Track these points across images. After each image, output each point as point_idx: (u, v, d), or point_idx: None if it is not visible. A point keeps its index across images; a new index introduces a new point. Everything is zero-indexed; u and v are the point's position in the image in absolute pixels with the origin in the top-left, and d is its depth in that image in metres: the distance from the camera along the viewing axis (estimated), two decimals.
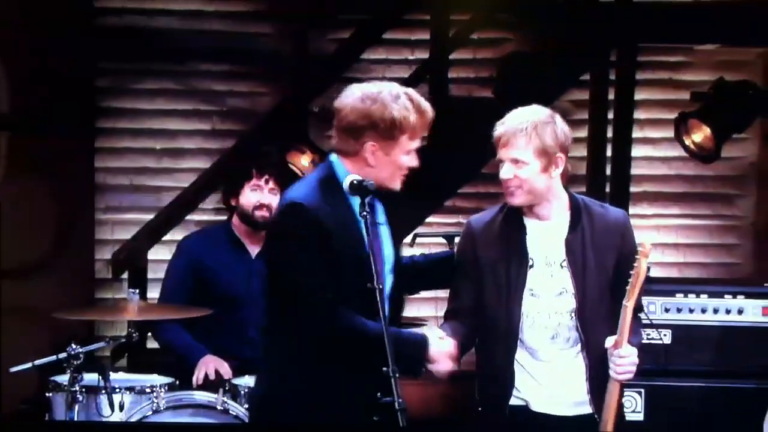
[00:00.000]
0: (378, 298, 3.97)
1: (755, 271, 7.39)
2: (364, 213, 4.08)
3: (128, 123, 7.30)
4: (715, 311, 5.87)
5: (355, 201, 4.10)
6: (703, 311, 5.87)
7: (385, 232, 4.32)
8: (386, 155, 4.13)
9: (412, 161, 4.19)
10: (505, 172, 4.25)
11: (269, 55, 7.33)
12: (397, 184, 4.20)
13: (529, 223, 4.28)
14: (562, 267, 4.24)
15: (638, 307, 4.28)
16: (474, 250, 4.31)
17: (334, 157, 4.19)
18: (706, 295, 5.87)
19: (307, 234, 4.02)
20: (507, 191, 4.26)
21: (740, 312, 5.85)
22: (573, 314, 4.23)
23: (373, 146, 4.11)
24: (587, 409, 4.27)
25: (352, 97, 4.14)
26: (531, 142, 4.23)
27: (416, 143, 4.18)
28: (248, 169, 5.49)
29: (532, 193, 4.24)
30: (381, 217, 4.30)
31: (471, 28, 7.18)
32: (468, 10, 7.12)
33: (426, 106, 4.19)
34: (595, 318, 4.22)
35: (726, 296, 5.90)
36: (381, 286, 4.00)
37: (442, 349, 4.19)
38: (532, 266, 4.25)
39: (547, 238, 4.27)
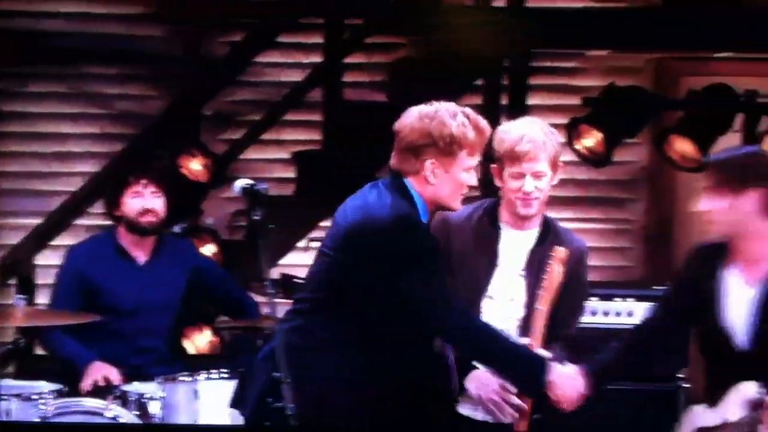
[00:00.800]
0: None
1: (646, 273, 7.50)
2: (256, 216, 4.04)
3: (17, 126, 7.19)
4: (605, 314, 5.94)
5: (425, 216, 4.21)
6: (593, 314, 5.91)
7: None
8: (446, 172, 4.20)
9: (471, 179, 4.26)
10: (528, 185, 4.34)
11: (160, 57, 7.26)
12: (457, 203, 4.25)
13: (504, 229, 4.38)
14: (519, 276, 4.35)
15: (566, 335, 4.38)
16: (448, 244, 4.34)
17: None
18: (597, 298, 5.92)
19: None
20: (524, 202, 4.35)
21: (630, 314, 5.91)
22: (520, 322, 4.33)
23: (433, 164, 4.19)
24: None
25: (411, 117, 4.29)
26: (548, 155, 4.37)
27: (474, 160, 4.25)
28: (124, 177, 5.44)
29: (542, 204, 4.40)
30: None
31: (364, 33, 7.19)
32: (361, 14, 7.13)
33: (483, 123, 4.27)
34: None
35: (616, 299, 5.98)
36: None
37: (565, 373, 4.23)
38: (497, 270, 4.35)
39: (516, 246, 4.37)
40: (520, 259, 4.36)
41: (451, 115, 4.22)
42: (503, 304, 4.35)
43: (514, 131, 4.35)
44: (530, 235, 4.39)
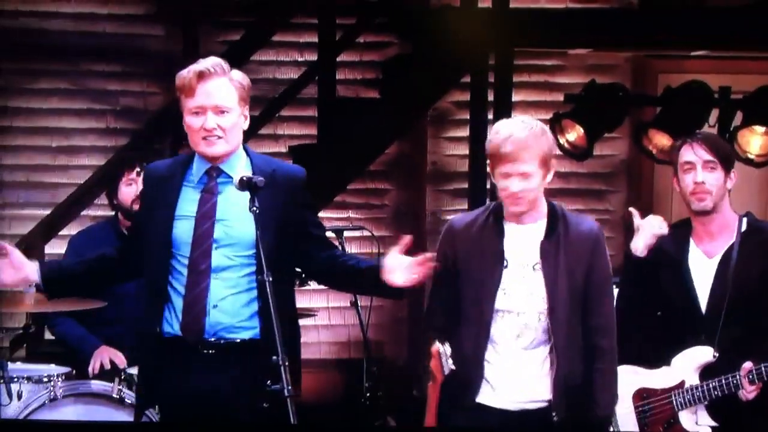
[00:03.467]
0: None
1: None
2: (254, 208, 4.11)
3: (24, 122, 7.23)
4: None
5: None
6: None
7: None
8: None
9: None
10: (515, 185, 4.22)
11: (161, 55, 7.32)
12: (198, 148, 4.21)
13: (508, 226, 4.29)
14: (534, 270, 4.26)
15: (598, 324, 4.32)
16: (454, 248, 4.31)
17: None
18: None
19: None
20: (513, 201, 4.24)
21: None
22: (542, 316, 4.25)
23: None
24: (538, 406, 4.27)
25: None
26: (535, 155, 4.22)
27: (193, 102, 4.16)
28: (119, 165, 5.50)
29: (533, 201, 4.27)
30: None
31: (356, 32, 7.25)
32: (354, 14, 7.19)
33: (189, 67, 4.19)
34: (565, 321, 4.24)
35: None
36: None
37: (396, 261, 4.20)
38: (506, 267, 4.26)
39: (523, 242, 4.28)
40: (532, 253, 4.26)
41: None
42: (522, 300, 4.26)
43: (502, 131, 4.26)
44: (537, 228, 4.28)
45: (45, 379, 5.14)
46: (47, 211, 6.91)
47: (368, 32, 7.34)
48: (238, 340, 4.07)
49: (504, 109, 7.27)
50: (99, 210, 7.08)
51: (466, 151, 7.49)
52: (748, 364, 4.47)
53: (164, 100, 7.23)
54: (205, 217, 4.06)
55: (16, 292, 6.60)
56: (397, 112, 7.11)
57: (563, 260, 4.25)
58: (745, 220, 4.62)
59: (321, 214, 7.09)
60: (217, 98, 4.09)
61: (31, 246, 6.75)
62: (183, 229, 4.08)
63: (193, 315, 4.07)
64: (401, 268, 4.15)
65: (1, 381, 4.99)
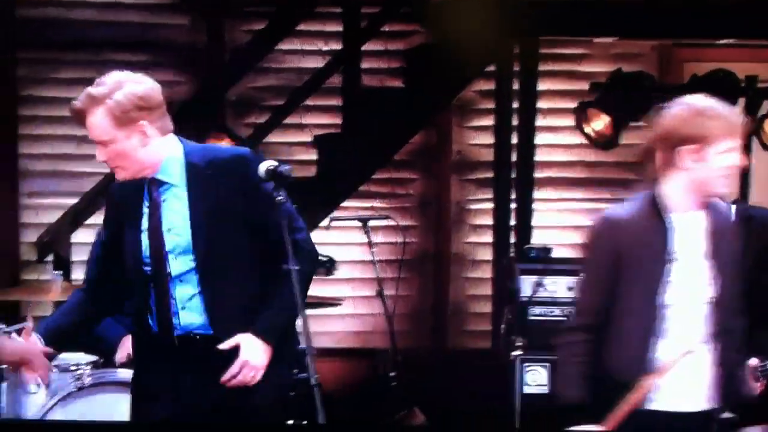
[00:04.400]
0: None
1: None
2: (279, 197, 4.06)
3: (49, 111, 7.21)
4: None
5: None
6: None
7: None
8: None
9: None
10: (738, 159, 3.98)
11: (186, 45, 7.29)
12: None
13: (672, 216, 4.00)
14: (703, 259, 4.03)
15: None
16: (617, 243, 3.99)
17: None
18: None
19: None
20: (728, 179, 4.00)
21: None
22: (711, 307, 4.03)
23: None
24: (706, 405, 4.05)
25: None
26: None
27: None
28: None
29: None
30: None
31: (381, 21, 7.21)
32: (378, 3, 7.15)
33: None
34: (733, 310, 4.06)
35: None
36: None
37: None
38: (674, 258, 4.01)
39: (689, 231, 4.04)
40: (699, 242, 4.02)
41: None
42: (692, 292, 4.02)
43: (721, 108, 3.98)
44: (699, 216, 4.03)
45: (72, 368, 5.13)
46: (73, 200, 6.90)
47: (393, 21, 7.29)
48: (211, 334, 3.99)
49: (529, 98, 7.24)
50: None
51: (491, 140, 7.44)
52: None
53: (188, 90, 7.20)
54: (154, 229, 4.00)
55: (44, 280, 6.62)
56: (422, 101, 7.08)
57: (727, 247, 4.05)
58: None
59: (346, 204, 7.10)
60: (94, 134, 3.99)
61: (58, 235, 6.76)
62: (145, 244, 4.03)
63: (161, 319, 4.03)
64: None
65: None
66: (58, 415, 5.07)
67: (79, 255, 6.41)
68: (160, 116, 4.02)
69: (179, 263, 3.98)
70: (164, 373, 4.03)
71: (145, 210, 4.03)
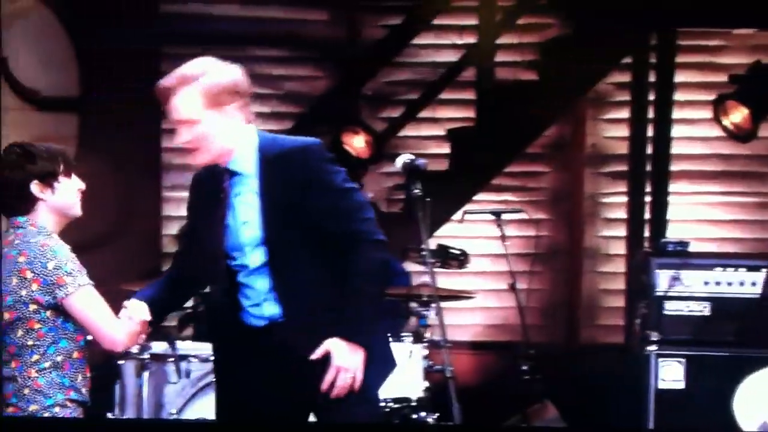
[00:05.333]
0: None
1: None
2: (416, 191, 4.02)
3: None
4: (753, 284, 5.83)
5: None
6: (741, 284, 5.82)
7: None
8: None
9: None
10: None
11: (325, 40, 7.32)
12: None
13: None
14: None
15: None
16: None
17: None
18: (743, 269, 5.82)
19: None
20: None
21: None
22: None
23: None
24: None
25: None
26: None
27: None
28: None
29: None
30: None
31: (516, 14, 7.13)
32: None
33: None
34: None
35: (762, 270, 5.86)
36: None
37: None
38: None
39: None
40: None
41: None
42: None
43: None
44: None
45: (212, 358, 5.16)
46: None
47: (528, 14, 7.20)
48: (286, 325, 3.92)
49: (666, 90, 7.08)
50: None
51: (626, 133, 7.31)
52: None
53: (327, 85, 7.23)
54: (229, 221, 3.92)
55: None
56: (556, 94, 6.99)
57: None
58: None
59: (478, 197, 7.04)
60: (180, 113, 3.89)
61: None
62: (224, 236, 3.94)
63: (240, 312, 3.96)
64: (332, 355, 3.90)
65: (171, 359, 5.04)
66: (197, 403, 5.12)
67: None
68: (246, 104, 3.95)
69: (255, 256, 3.92)
70: (244, 365, 3.96)
71: (221, 201, 3.97)
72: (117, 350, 3.95)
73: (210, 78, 3.89)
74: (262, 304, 3.92)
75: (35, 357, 3.86)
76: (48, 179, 3.94)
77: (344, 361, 3.82)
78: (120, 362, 5.16)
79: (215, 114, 3.89)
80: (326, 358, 3.80)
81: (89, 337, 3.93)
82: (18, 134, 6.93)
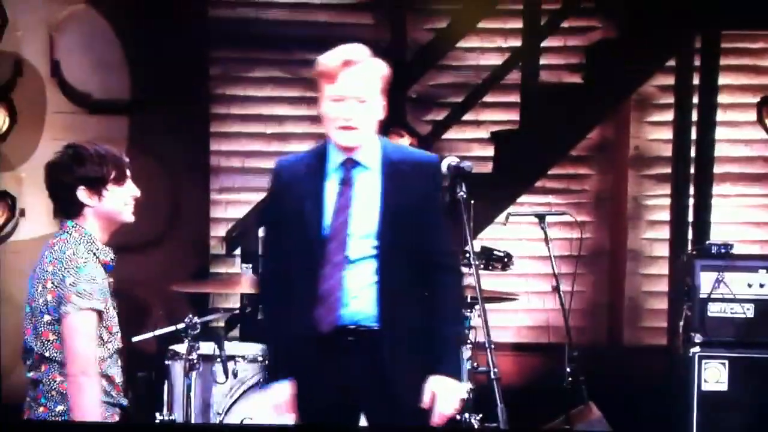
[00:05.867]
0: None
1: None
2: (461, 194, 4.03)
3: (240, 109, 7.33)
4: None
5: None
6: None
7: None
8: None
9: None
10: None
11: (370, 43, 7.30)
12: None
13: None
14: None
15: None
16: None
17: None
18: None
19: None
20: None
21: None
22: None
23: None
24: None
25: None
26: None
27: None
28: None
29: None
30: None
31: (561, 17, 7.10)
32: None
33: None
34: None
35: None
36: None
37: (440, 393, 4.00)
38: None
39: None
40: None
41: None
42: None
43: None
44: None
45: (260, 359, 5.18)
46: (260, 196, 7.00)
47: (573, 17, 7.16)
48: (375, 328, 3.94)
49: (710, 93, 7.02)
50: None
51: (670, 136, 7.26)
52: None
53: None
54: (342, 208, 3.94)
55: (232, 273, 6.74)
56: (600, 97, 6.95)
57: None
58: None
59: (522, 199, 7.02)
60: (358, 87, 3.95)
61: (245, 230, 6.87)
62: (326, 223, 3.94)
63: (328, 306, 3.94)
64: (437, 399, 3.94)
65: (219, 359, 5.06)
66: (243, 404, 5.14)
67: None
68: None
69: (359, 248, 3.92)
70: (326, 368, 3.96)
71: (328, 188, 3.96)
72: (80, 383, 3.80)
73: (381, 64, 4.03)
74: (356, 300, 3.92)
75: (55, 364, 3.85)
76: (96, 185, 3.88)
77: (454, 403, 3.93)
78: (168, 362, 5.18)
79: (381, 100, 4.01)
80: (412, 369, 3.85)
81: (119, 345, 3.91)
82: (69, 137, 7.03)
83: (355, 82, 3.96)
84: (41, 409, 3.84)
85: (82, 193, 3.88)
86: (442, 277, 4.00)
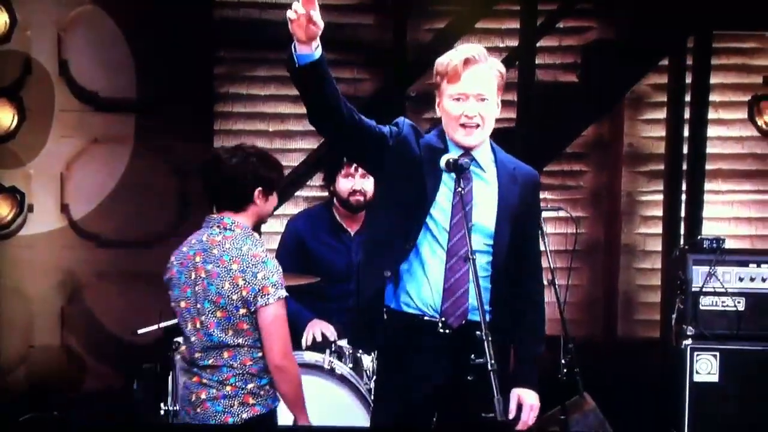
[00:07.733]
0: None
1: None
2: (459, 189, 4.01)
3: (243, 107, 7.32)
4: None
5: None
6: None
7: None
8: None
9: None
10: None
11: (371, 44, 7.30)
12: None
13: None
14: None
15: None
16: None
17: None
18: None
19: None
20: None
21: None
22: None
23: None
24: None
25: None
26: None
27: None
28: (339, 160, 5.47)
29: None
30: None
31: (557, 18, 7.08)
32: (554, 0, 7.04)
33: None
34: None
35: None
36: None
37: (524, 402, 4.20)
38: None
39: None
40: None
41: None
42: None
43: None
44: None
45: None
46: None
47: (568, 17, 7.15)
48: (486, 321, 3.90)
49: (702, 92, 7.01)
50: (312, 191, 7.14)
51: (663, 133, 7.25)
52: None
53: (374, 87, 7.21)
54: (463, 203, 3.95)
55: None
56: (595, 95, 6.95)
57: None
58: None
59: None
60: (480, 86, 3.98)
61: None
62: (443, 217, 3.99)
63: (455, 299, 3.98)
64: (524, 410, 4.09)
65: None
66: None
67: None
68: None
69: (476, 243, 3.94)
70: (429, 360, 3.99)
71: (445, 183, 3.98)
72: (278, 366, 4.26)
73: (498, 64, 4.07)
74: (473, 292, 3.92)
75: (244, 349, 4.26)
76: (269, 189, 4.31)
77: (534, 412, 4.08)
78: (173, 354, 5.16)
79: (499, 100, 4.06)
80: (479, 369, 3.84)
81: None
82: (76, 135, 7.02)
83: (476, 81, 4.00)
84: (228, 388, 4.27)
85: (257, 193, 4.27)
86: (535, 289, 4.11)
